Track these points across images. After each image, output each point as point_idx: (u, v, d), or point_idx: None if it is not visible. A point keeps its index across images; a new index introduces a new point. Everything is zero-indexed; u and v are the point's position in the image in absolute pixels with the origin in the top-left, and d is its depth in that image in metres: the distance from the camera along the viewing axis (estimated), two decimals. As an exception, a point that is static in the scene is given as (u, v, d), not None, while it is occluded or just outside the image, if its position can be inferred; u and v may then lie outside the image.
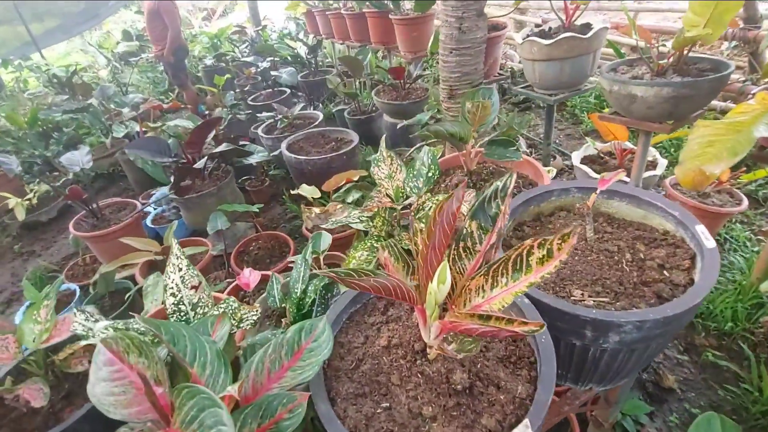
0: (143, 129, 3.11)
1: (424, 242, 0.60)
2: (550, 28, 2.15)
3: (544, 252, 0.51)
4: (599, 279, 0.77)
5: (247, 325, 0.79)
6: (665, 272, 0.76)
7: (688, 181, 1.14)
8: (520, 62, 3.44)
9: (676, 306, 0.66)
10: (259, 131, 3.01)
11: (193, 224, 2.40)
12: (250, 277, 1.11)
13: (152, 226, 2.60)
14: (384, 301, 0.82)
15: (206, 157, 2.13)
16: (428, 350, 0.68)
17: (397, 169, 0.98)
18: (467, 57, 1.78)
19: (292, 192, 2.19)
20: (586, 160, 2.32)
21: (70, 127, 3.72)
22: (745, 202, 1.88)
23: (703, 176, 1.14)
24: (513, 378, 0.64)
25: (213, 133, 2.30)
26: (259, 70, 3.92)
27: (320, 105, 3.64)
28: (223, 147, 2.15)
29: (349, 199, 1.64)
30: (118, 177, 3.48)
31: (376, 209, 0.93)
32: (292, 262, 1.04)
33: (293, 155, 2.55)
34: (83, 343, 0.87)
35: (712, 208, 1.89)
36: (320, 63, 4.24)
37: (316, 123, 2.98)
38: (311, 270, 0.94)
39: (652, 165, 2.17)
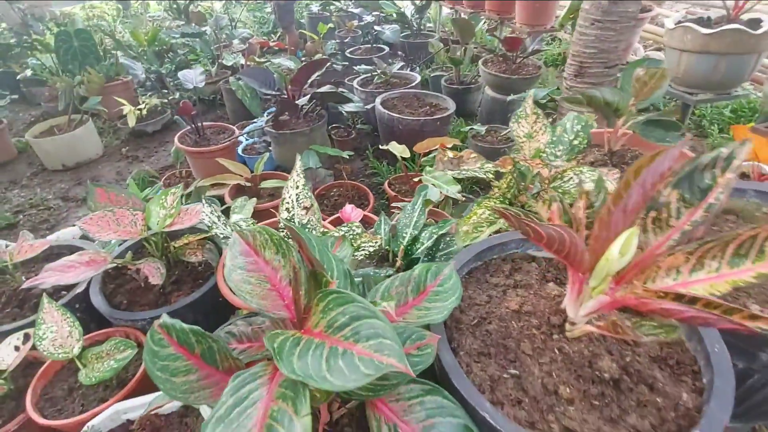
0: (248, 63, 3.19)
1: (607, 206, 0.50)
2: (709, 18, 1.85)
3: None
4: (786, 297, 0.63)
5: (363, 255, 0.75)
6: None
7: None
8: (647, 54, 3.06)
9: None
10: (355, 83, 2.97)
11: (280, 160, 2.44)
12: (352, 213, 1.07)
13: (242, 155, 2.68)
14: (510, 264, 0.74)
15: (309, 95, 2.11)
16: (568, 327, 0.59)
17: (540, 129, 0.87)
18: (610, 32, 1.57)
19: (381, 147, 2.13)
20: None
21: (183, 51, 3.91)
22: None
23: None
24: (673, 383, 0.54)
25: (317, 73, 2.29)
26: (361, 23, 3.84)
27: (417, 68, 3.50)
28: (326, 88, 2.12)
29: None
30: (217, 105, 3.63)
31: (509, 167, 0.83)
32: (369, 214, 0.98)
33: (386, 111, 2.49)
34: (200, 236, 0.89)
35: None
36: (423, 26, 4.07)
37: (413, 84, 2.88)
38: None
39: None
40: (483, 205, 0.85)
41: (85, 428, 0.67)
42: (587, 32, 1.60)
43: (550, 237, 0.48)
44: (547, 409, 0.52)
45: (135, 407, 0.72)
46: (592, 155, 1.02)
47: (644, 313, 0.47)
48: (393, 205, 1.87)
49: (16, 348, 0.79)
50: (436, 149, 1.85)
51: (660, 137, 0.89)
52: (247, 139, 2.80)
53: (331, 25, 4.01)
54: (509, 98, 2.29)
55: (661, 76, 0.85)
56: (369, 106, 2.66)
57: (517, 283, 0.69)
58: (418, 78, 2.93)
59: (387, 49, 3.72)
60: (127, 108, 3.00)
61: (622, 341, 0.59)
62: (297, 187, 0.88)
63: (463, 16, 3.30)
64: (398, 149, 2.07)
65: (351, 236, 0.77)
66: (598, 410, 0.52)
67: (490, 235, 0.79)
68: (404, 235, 0.89)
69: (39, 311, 0.78)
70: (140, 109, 3.26)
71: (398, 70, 3.03)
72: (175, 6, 4.72)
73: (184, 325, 0.55)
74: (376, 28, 3.70)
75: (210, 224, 0.78)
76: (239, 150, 2.71)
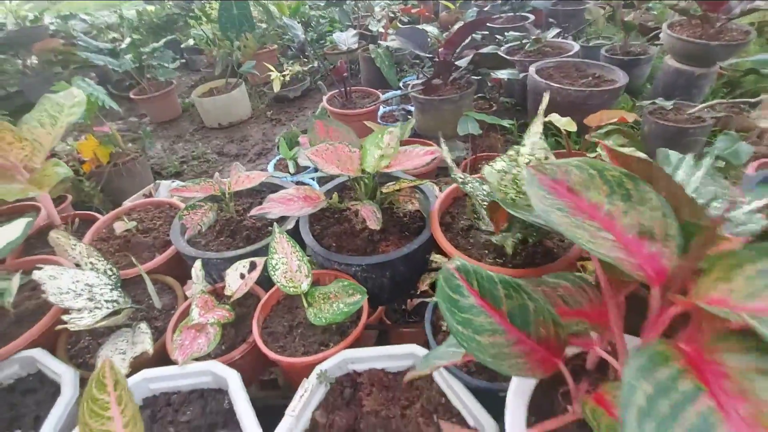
0: (387, 30, 3.12)
1: None
2: None
3: None
4: None
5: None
6: None
7: None
8: None
9: None
10: (499, 52, 2.71)
11: (422, 128, 2.33)
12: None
13: (380, 122, 2.65)
14: None
15: (470, 57, 1.94)
16: None
17: None
18: None
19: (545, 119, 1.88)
20: None
21: (324, 21, 4.01)
22: None
23: None
24: None
25: (472, 36, 2.10)
26: (505, -10, 3.50)
27: (569, 37, 3.10)
28: (488, 49, 1.92)
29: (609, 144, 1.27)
30: (353, 74, 3.65)
31: None
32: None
33: (543, 80, 2.21)
34: (414, 182, 0.78)
35: None
36: (575, -8, 3.59)
37: (570, 53, 2.54)
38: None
39: None
40: None
41: (317, 370, 0.61)
42: None
43: None
44: None
45: (362, 358, 0.64)
46: None
47: None
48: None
49: (242, 276, 0.77)
50: (610, 123, 1.56)
51: None
52: (384, 107, 2.76)
53: (469, -8, 3.74)
54: (697, 72, 1.85)
55: None
56: (522, 75, 2.41)
57: None
58: (577, 47, 2.57)
59: (531, 17, 3.36)
60: (274, 74, 3.13)
61: None
62: (534, 144, 0.72)
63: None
64: (562, 121, 1.80)
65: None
66: None
67: None
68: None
69: (271, 242, 0.75)
70: (284, 76, 3.41)
71: (554, 37, 2.71)
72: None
73: (490, 274, 0.42)
74: (525, -7, 3.35)
75: (449, 164, 0.66)
76: (377, 118, 2.68)
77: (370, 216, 0.75)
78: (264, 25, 3.93)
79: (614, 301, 0.44)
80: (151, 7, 4.51)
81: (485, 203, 0.71)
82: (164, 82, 3.27)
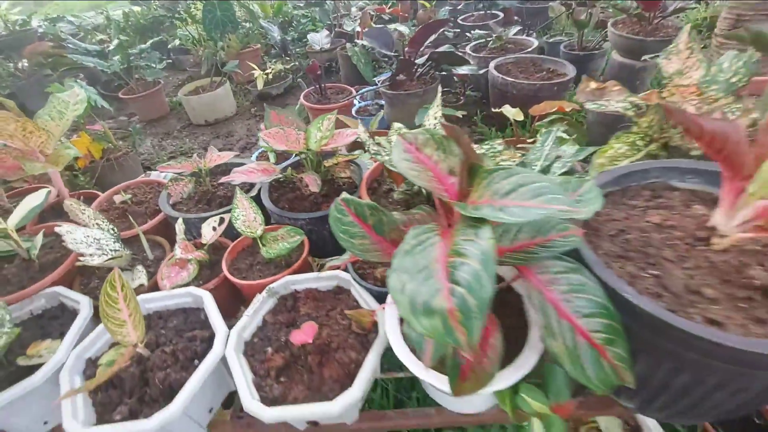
0: (363, 29, 3.38)
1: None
2: None
3: None
4: None
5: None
6: None
7: None
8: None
9: None
10: (467, 49, 2.99)
11: (392, 121, 2.59)
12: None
13: (355, 116, 2.90)
14: (650, 191, 0.76)
15: (427, 55, 2.20)
16: (716, 240, 0.61)
17: (693, 65, 0.85)
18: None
19: (494, 110, 2.15)
20: None
21: (304, 20, 4.26)
22: None
23: None
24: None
25: (434, 35, 2.36)
26: (477, -11, 3.77)
27: (533, 34, 3.37)
28: (444, 48, 2.19)
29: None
30: (333, 72, 3.91)
31: (655, 100, 0.84)
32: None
33: (500, 75, 2.48)
34: (348, 156, 1.05)
35: None
36: (543, -10, 3.86)
37: (529, 50, 2.81)
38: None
39: None
40: (621, 140, 0.87)
41: (267, 288, 0.88)
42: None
43: (712, 132, 0.52)
44: (688, 304, 0.56)
45: (300, 281, 0.91)
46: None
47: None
48: (519, 146, 1.89)
49: (214, 228, 1.04)
50: (552, 113, 1.83)
51: None
52: (359, 102, 3.02)
53: (444, -8, 4.01)
54: (638, 64, 2.13)
55: None
56: (482, 71, 2.68)
57: (658, 204, 0.72)
58: (536, 43, 2.84)
59: (501, 15, 3.63)
60: (258, 72, 3.39)
61: (777, 259, 0.59)
62: (436, 118, 0.99)
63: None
64: (511, 112, 2.08)
65: (492, 153, 0.86)
66: (744, 311, 0.55)
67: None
68: (534, 166, 0.95)
69: (234, 200, 1.02)
70: (267, 74, 3.66)
71: (514, 35, 2.97)
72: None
73: (361, 200, 0.69)
74: (493, -7, 3.62)
75: (365, 140, 0.93)
76: (353, 111, 2.93)
77: (312, 182, 1.01)
78: (249, 25, 4.18)
79: (442, 211, 0.70)
80: (137, 8, 4.72)
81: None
82: (152, 81, 3.51)
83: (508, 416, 0.74)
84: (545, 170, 0.94)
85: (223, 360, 0.80)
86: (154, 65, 3.36)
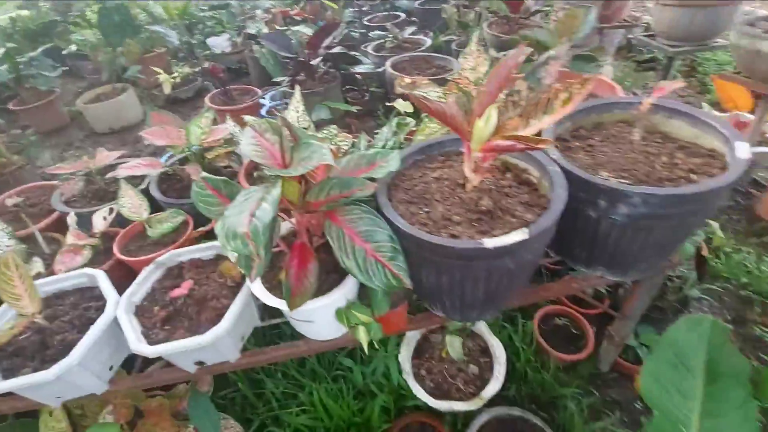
0: (271, 31, 3.55)
1: (480, 92, 0.81)
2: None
3: (567, 95, 0.70)
4: (629, 170, 0.92)
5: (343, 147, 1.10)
6: (692, 175, 0.88)
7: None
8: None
9: (682, 189, 0.80)
10: (369, 48, 3.27)
11: (298, 118, 2.80)
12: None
13: (265, 116, 3.08)
14: (444, 156, 1.06)
15: (321, 57, 2.44)
16: (467, 185, 0.91)
17: (481, 62, 1.17)
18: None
19: (387, 104, 2.44)
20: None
21: (211, 23, 4.32)
22: None
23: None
24: (527, 211, 0.85)
25: (331, 38, 2.60)
26: (380, -9, 4.09)
27: (431, 33, 3.75)
28: (337, 50, 2.44)
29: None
30: (243, 74, 4.02)
31: (453, 90, 1.14)
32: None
33: (396, 73, 2.78)
34: (229, 149, 1.26)
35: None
36: (440, -8, 4.27)
37: (423, 48, 3.15)
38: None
39: (769, 139, 2.04)
40: (433, 121, 1.17)
41: (154, 261, 1.07)
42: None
43: (438, 112, 0.80)
44: (442, 227, 0.85)
45: (184, 253, 1.10)
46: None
47: (505, 169, 0.78)
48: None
49: (104, 218, 1.19)
50: None
51: (581, 68, 1.17)
52: (270, 102, 3.19)
53: (350, -7, 4.28)
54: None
55: (574, 16, 1.11)
56: (381, 69, 2.97)
57: (443, 165, 1.02)
58: (429, 42, 3.19)
59: (403, 16, 3.97)
60: (163, 76, 3.43)
61: (504, 194, 0.91)
62: (297, 111, 1.23)
63: (477, -20, 3.48)
64: (402, 105, 2.37)
65: (330, 136, 1.11)
66: (476, 227, 0.84)
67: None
68: (378, 143, 1.22)
69: (119, 191, 1.18)
70: (174, 78, 3.70)
71: (410, 35, 3.30)
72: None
73: (216, 177, 0.91)
74: (393, -5, 3.95)
75: (234, 134, 1.14)
76: (263, 112, 3.10)
77: (195, 172, 1.20)
78: (153, 28, 4.15)
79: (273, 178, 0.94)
80: (26, 12, 4.48)
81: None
82: (46, 91, 3.40)
83: (355, 339, 1.00)
84: (384, 146, 1.22)
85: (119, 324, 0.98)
86: (46, 73, 3.27)
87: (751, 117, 2.05)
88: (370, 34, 3.43)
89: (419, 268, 0.88)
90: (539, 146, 0.70)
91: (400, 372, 1.39)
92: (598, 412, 1.40)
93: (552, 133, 1.03)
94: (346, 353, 1.54)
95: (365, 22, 3.99)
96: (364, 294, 1.01)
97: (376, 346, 1.46)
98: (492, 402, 1.30)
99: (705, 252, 1.74)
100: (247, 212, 0.70)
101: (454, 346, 1.27)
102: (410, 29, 3.27)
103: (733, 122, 2.16)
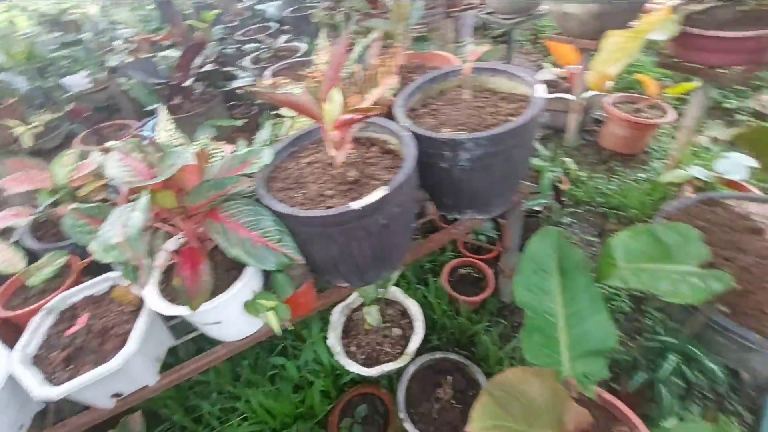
0: (134, 60, 3.38)
1: (323, 79, 0.93)
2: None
3: (385, 68, 0.84)
4: (464, 123, 1.10)
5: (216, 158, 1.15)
6: (510, 117, 1.09)
7: (594, 83, 1.46)
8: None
9: (498, 129, 0.99)
10: (246, 62, 3.27)
11: (186, 143, 2.74)
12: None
13: (149, 147, 2.95)
14: (316, 144, 1.16)
15: (194, 78, 2.42)
16: (334, 162, 1.03)
17: (333, 56, 1.30)
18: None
19: (273, 113, 2.50)
20: (539, 81, 2.60)
21: (67, 61, 3.99)
22: (671, 114, 2.17)
23: (604, 76, 1.45)
24: (388, 173, 0.99)
25: (201, 57, 2.59)
26: (246, 6, 4.09)
27: (304, 39, 3.85)
28: (208, 67, 2.43)
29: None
30: (115, 110, 3.77)
31: (313, 84, 1.26)
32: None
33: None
34: (100, 183, 1.24)
35: (641, 120, 2.19)
36: (307, -2, 4.38)
37: (300, 54, 3.23)
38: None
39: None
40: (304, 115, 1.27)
41: (42, 309, 1.03)
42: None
43: (291, 103, 0.90)
44: (317, 203, 0.96)
45: (75, 293, 1.08)
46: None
47: (371, 144, 0.91)
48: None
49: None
50: None
51: (420, 47, 1.35)
52: (153, 132, 3.06)
53: (218, 11, 4.21)
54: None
55: (402, 5, 1.29)
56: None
57: (315, 151, 1.12)
58: (305, 47, 3.28)
59: (275, 26, 4.02)
60: (21, 128, 3.12)
61: (369, 164, 1.04)
62: (168, 131, 1.26)
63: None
64: (288, 113, 2.44)
65: (203, 146, 1.16)
66: (347, 196, 0.96)
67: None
68: (257, 145, 1.29)
69: None
70: (35, 127, 3.38)
71: (284, 43, 3.37)
72: (44, 19, 4.69)
73: (87, 205, 0.93)
74: (259, 6, 3.98)
75: (103, 164, 1.14)
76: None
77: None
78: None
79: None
80: None
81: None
82: None
83: (271, 330, 1.06)
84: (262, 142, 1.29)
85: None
86: None
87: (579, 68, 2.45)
88: (244, 48, 3.43)
89: (309, 245, 0.98)
90: (371, 113, 0.83)
91: (331, 355, 1.47)
92: (508, 337, 1.61)
93: (404, 106, 1.19)
94: (276, 352, 1.59)
95: (238, 37, 3.97)
96: (271, 286, 1.08)
97: (304, 337, 1.53)
98: (419, 355, 1.45)
99: (567, 185, 2.07)
100: (119, 224, 0.74)
101: (371, 314, 1.39)
102: (284, 38, 3.34)
103: (570, 75, 2.56)
